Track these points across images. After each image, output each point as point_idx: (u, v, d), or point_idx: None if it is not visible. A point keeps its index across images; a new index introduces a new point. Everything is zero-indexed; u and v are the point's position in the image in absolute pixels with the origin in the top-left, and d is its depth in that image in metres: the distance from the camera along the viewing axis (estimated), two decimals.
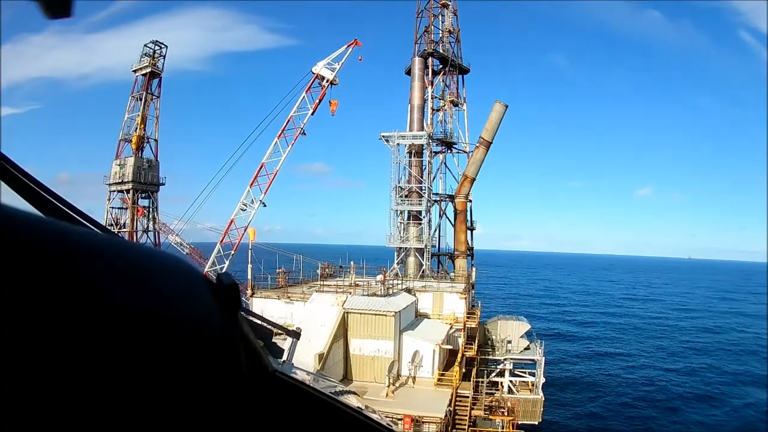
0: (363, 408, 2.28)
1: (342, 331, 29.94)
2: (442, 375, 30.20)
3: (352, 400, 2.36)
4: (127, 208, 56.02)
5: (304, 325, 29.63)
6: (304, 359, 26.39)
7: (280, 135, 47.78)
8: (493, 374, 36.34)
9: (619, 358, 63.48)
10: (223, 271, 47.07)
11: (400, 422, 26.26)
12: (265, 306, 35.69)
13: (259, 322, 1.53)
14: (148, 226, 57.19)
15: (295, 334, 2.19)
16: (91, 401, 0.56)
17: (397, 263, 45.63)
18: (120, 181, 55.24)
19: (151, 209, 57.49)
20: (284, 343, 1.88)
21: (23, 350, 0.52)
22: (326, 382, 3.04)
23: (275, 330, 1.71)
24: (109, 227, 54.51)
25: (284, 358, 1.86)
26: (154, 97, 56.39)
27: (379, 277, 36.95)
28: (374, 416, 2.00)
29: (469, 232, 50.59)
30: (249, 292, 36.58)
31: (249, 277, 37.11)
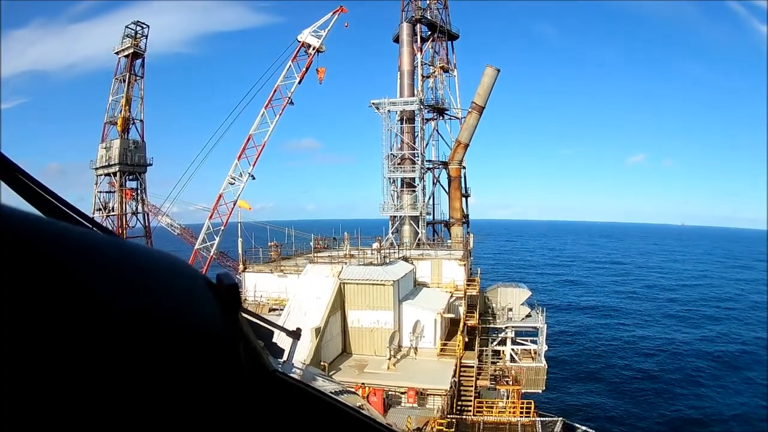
0: (362, 408, 2.26)
1: (339, 303, 28.77)
2: (445, 345, 29.19)
3: (352, 400, 2.34)
4: (115, 192, 54.49)
5: (299, 298, 28.53)
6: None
7: (267, 105, 46.54)
8: (495, 343, 35.48)
9: (621, 326, 63.21)
10: (214, 247, 46.00)
11: (403, 395, 25.33)
12: (258, 281, 34.51)
13: (259, 322, 1.57)
14: (137, 209, 55.88)
15: (296, 335, 2.16)
16: (91, 401, 0.56)
17: (392, 232, 44.29)
18: (107, 164, 54.27)
19: (139, 191, 56.18)
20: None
21: (24, 351, 0.52)
22: (326, 382, 2.99)
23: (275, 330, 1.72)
24: (97, 211, 53.68)
25: (284, 358, 1.91)
26: (137, 77, 55.23)
27: (375, 245, 35.66)
28: (374, 416, 2.12)
29: (464, 199, 49.44)
30: (240, 267, 35.38)
31: (240, 251, 35.83)
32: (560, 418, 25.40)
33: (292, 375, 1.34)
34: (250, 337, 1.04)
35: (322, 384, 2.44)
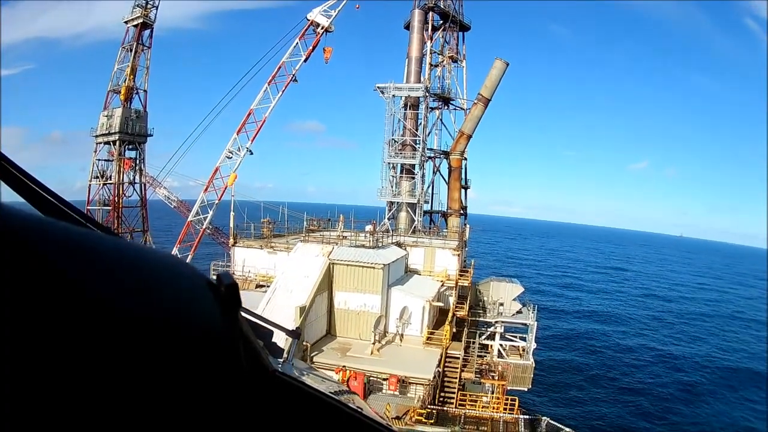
0: (362, 408, 2.36)
1: (327, 284, 28.19)
2: (432, 334, 28.60)
3: (352, 400, 2.51)
4: (113, 161, 53.80)
5: (287, 275, 27.94)
6: (284, 312, 24.78)
7: (270, 81, 45.67)
8: (483, 337, 34.87)
9: (613, 332, 62.63)
10: (207, 220, 45.40)
11: (385, 382, 24.80)
12: (247, 256, 33.93)
13: (259, 322, 1.57)
14: (134, 179, 55.06)
15: (296, 334, 2.06)
16: (91, 402, 0.56)
17: (388, 218, 43.58)
18: (107, 132, 53.25)
19: (138, 161, 55.34)
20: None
21: (24, 351, 0.52)
22: (327, 382, 3.10)
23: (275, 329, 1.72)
24: (94, 179, 53.08)
25: (284, 358, 1.98)
26: (145, 47, 54.12)
27: (368, 227, 35.06)
28: (375, 416, 1.95)
29: (463, 191, 48.65)
30: (231, 241, 34.77)
31: (231, 225, 35.19)
32: (545, 417, 24.85)
33: (292, 375, 1.28)
34: (250, 336, 1.01)
35: (323, 384, 2.44)
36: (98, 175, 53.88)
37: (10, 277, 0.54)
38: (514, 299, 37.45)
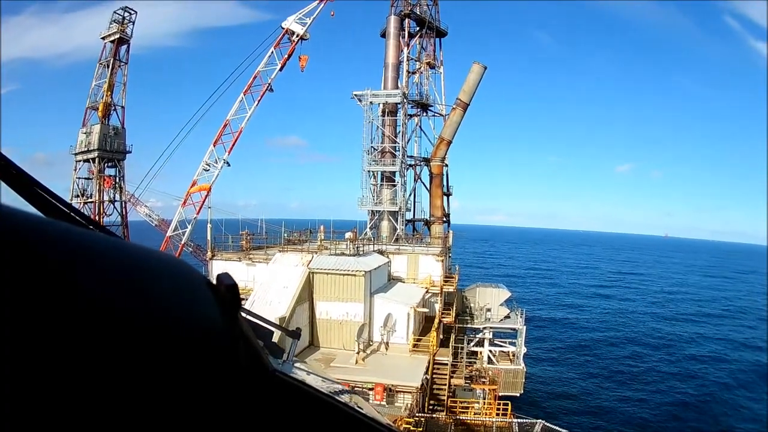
0: (362, 408, 2.15)
1: (307, 294, 27.20)
2: (418, 341, 27.68)
3: (352, 400, 2.24)
4: (93, 179, 52.64)
5: (265, 286, 26.96)
6: None
7: (246, 91, 45.46)
8: (472, 344, 34.08)
9: (605, 336, 61.97)
10: (186, 235, 44.34)
11: (371, 392, 23.81)
12: (225, 269, 32.67)
13: (259, 322, 1.59)
14: (114, 197, 53.85)
15: (295, 335, 2.11)
16: (91, 403, 0.56)
17: (371, 228, 42.70)
18: (86, 149, 52.38)
19: (118, 178, 54.22)
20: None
21: (24, 352, 0.52)
22: (327, 382, 2.70)
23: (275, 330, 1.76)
24: (75, 198, 51.83)
25: (284, 358, 1.97)
26: (122, 63, 53.57)
27: (348, 234, 34.09)
28: (376, 415, 2.05)
29: (445, 198, 47.97)
30: (209, 254, 33.69)
31: (208, 238, 34.12)
32: (540, 420, 23.95)
33: (292, 375, 1.30)
34: (250, 337, 1.02)
35: (323, 384, 2.36)
36: (79, 193, 52.80)
37: (11, 278, 0.54)
38: (501, 304, 36.80)
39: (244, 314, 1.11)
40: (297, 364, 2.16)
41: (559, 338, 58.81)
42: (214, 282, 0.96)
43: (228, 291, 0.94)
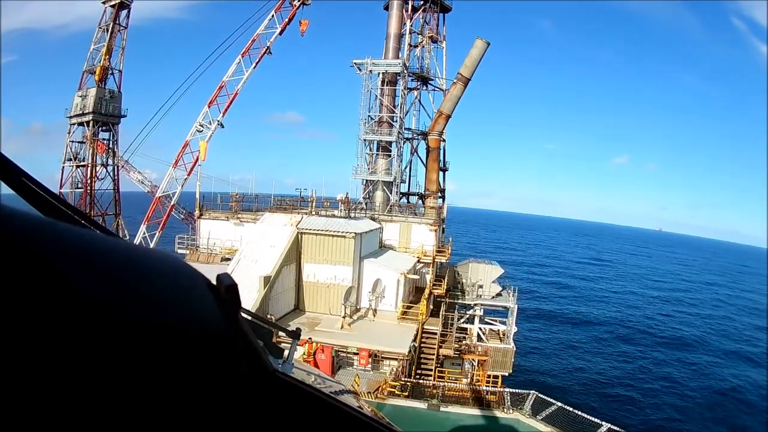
0: (362, 408, 2.28)
1: (295, 255, 26.27)
2: (408, 308, 26.84)
3: (352, 401, 2.36)
4: (86, 143, 51.51)
5: (251, 245, 26.05)
6: (247, 282, 22.91)
7: (244, 53, 44.29)
8: (462, 320, 33.24)
9: (598, 321, 61.87)
10: (176, 196, 43.39)
11: (355, 357, 22.99)
12: (213, 227, 31.98)
13: (259, 322, 1.62)
14: (107, 161, 52.66)
15: (295, 335, 2.16)
16: (92, 403, 0.56)
17: (364, 197, 41.72)
18: (81, 112, 51.11)
19: (111, 143, 53.02)
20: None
21: (24, 352, 0.52)
22: (327, 382, 2.94)
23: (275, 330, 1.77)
24: (68, 161, 50.67)
25: (284, 358, 2.02)
26: (121, 27, 51.98)
27: (340, 196, 33.03)
28: (374, 416, 2.10)
29: (441, 173, 46.96)
30: (197, 213, 32.74)
31: (197, 196, 33.13)
32: (533, 391, 23.00)
33: (292, 375, 1.32)
34: (250, 337, 1.01)
35: (323, 384, 2.41)
36: (71, 157, 51.61)
37: (10, 278, 0.54)
38: (493, 281, 35.96)
39: (244, 315, 1.07)
40: (297, 364, 2.15)
41: (552, 318, 58.94)
42: (214, 282, 0.94)
43: (228, 291, 0.93)
